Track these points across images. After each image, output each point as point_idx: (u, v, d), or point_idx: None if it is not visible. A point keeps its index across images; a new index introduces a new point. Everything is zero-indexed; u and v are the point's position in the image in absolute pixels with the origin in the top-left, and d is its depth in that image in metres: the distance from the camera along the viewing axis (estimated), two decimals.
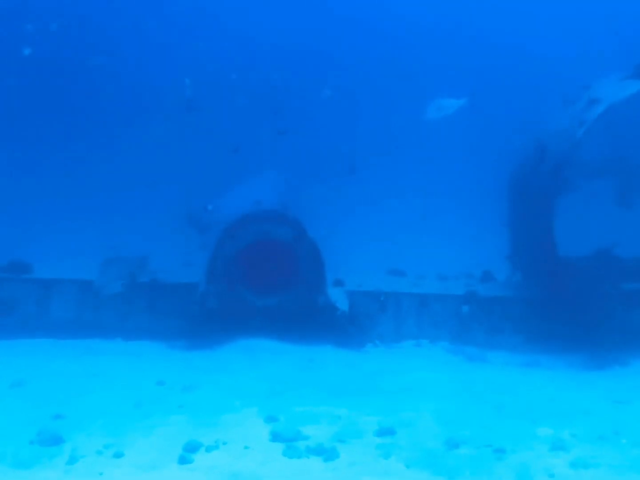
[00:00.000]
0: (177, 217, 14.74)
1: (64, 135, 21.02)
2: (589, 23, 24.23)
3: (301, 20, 24.88)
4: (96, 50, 20.81)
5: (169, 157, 20.11)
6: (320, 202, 15.46)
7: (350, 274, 11.70)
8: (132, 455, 6.19)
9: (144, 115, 21.47)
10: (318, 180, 18.31)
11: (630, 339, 9.99)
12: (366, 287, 11.37)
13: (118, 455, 6.18)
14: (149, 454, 6.21)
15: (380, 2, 26.04)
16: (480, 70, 23.29)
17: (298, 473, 5.91)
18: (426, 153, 21.62)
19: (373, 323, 11.04)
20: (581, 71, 12.61)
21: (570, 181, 10.60)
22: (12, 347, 9.84)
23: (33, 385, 8.02)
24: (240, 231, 10.65)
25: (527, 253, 11.51)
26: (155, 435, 6.67)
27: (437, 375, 8.68)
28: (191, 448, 6.35)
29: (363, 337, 10.66)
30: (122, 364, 9.10)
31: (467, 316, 11.02)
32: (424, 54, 24.81)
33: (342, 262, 11.71)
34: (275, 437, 6.65)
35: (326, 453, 6.27)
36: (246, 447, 6.43)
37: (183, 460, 6.10)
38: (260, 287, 10.72)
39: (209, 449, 6.35)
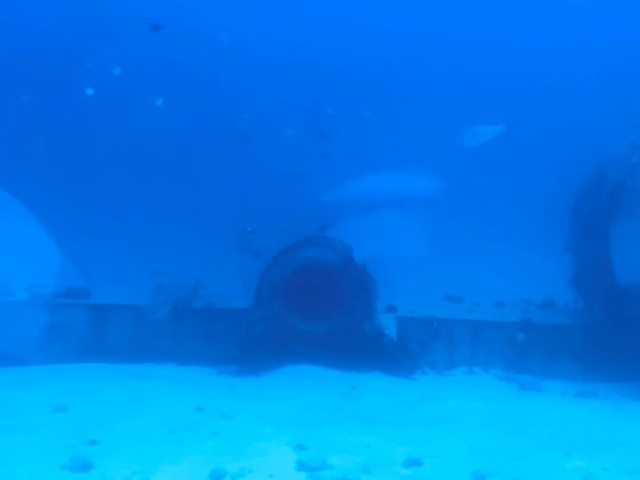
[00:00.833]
0: (230, 242, 14.95)
1: (122, 169, 21.54)
2: None
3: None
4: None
5: (221, 185, 20.46)
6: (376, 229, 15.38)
7: (404, 300, 11.59)
8: None
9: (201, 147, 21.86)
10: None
11: None
12: (419, 313, 11.24)
13: None
14: None
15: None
16: (544, 101, 22.79)
17: None
18: (486, 180, 21.22)
19: (424, 350, 10.87)
20: None
21: (628, 207, 10.25)
22: (65, 371, 10.06)
23: (75, 410, 8.15)
24: (288, 257, 10.69)
25: (587, 280, 11.20)
26: (183, 463, 6.66)
27: (479, 404, 8.43)
28: (217, 476, 6.31)
29: (412, 365, 10.48)
30: (166, 389, 9.19)
31: (523, 343, 10.71)
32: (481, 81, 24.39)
33: (396, 288, 11.61)
34: (300, 466, 6.56)
35: None
36: (270, 476, 6.36)
37: None
38: (308, 313, 10.71)
39: (233, 477, 6.30)
